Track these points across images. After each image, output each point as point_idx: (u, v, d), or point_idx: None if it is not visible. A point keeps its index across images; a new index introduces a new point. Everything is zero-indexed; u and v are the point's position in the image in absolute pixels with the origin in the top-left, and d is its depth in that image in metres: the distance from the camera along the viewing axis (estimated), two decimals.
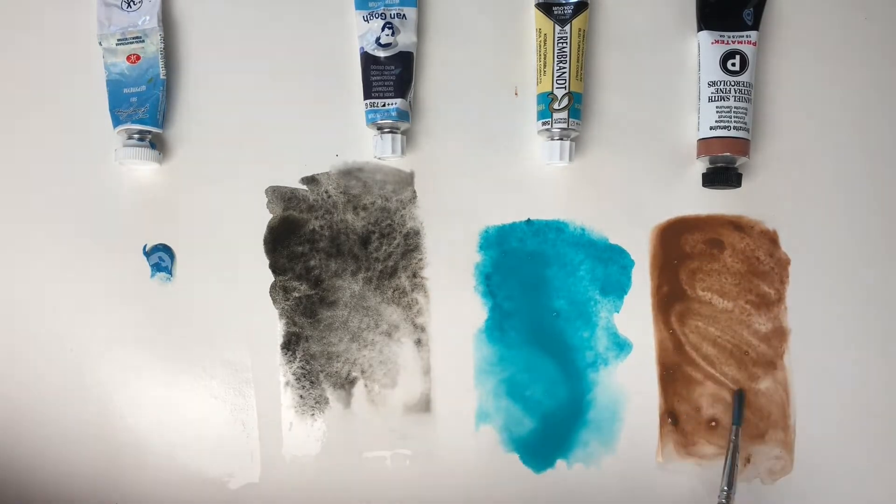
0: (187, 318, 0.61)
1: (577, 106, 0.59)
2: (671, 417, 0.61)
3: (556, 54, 0.59)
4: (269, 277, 0.61)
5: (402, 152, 0.60)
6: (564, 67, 0.59)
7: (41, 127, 0.62)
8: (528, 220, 0.61)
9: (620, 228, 0.61)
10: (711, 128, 0.59)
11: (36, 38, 0.62)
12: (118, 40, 0.61)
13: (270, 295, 0.61)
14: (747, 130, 0.59)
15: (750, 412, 0.61)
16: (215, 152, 0.62)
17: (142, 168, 0.61)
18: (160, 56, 0.61)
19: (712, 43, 0.59)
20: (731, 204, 0.61)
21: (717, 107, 0.59)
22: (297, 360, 0.61)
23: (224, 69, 0.62)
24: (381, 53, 0.60)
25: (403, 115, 0.60)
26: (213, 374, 0.61)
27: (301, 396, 0.61)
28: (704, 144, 0.59)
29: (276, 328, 0.61)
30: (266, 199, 0.61)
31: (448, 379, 0.61)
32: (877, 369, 0.61)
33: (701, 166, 0.61)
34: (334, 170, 0.62)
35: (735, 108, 0.58)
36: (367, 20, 0.60)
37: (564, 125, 0.59)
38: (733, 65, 0.59)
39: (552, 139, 0.60)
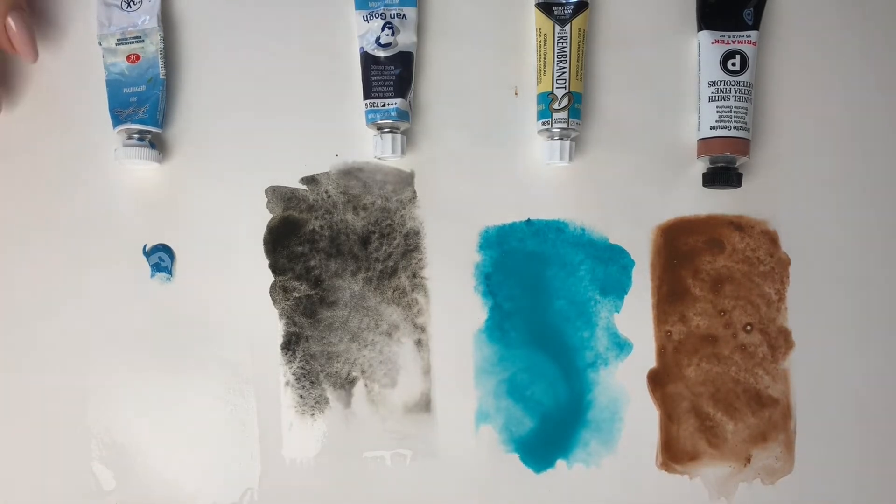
0: (187, 318, 0.61)
1: (577, 106, 0.59)
2: (671, 417, 0.61)
3: (556, 54, 0.59)
4: (269, 277, 0.61)
5: (402, 152, 0.60)
6: (564, 67, 0.59)
7: (41, 127, 0.62)
8: (528, 220, 0.61)
9: (620, 228, 0.61)
10: (712, 128, 0.59)
11: (35, 37, 0.62)
12: (118, 40, 0.61)
13: (270, 295, 0.61)
14: (748, 130, 0.59)
15: (750, 413, 0.61)
16: (215, 152, 0.62)
17: (142, 168, 0.61)
18: (160, 56, 0.60)
19: (712, 43, 0.59)
20: (731, 204, 0.61)
21: (717, 107, 0.59)
22: (297, 360, 0.61)
23: (224, 69, 0.62)
24: (381, 53, 0.60)
25: (403, 115, 0.60)
26: (213, 374, 0.61)
27: (301, 396, 0.61)
28: (704, 144, 0.59)
29: (276, 328, 0.61)
30: (266, 199, 0.61)
31: (448, 379, 0.61)
32: (877, 369, 0.61)
33: (701, 166, 0.61)
34: (334, 170, 0.62)
35: (735, 107, 0.58)
36: (367, 20, 0.60)
37: (564, 125, 0.59)
38: (733, 65, 0.59)
39: (552, 139, 0.60)
